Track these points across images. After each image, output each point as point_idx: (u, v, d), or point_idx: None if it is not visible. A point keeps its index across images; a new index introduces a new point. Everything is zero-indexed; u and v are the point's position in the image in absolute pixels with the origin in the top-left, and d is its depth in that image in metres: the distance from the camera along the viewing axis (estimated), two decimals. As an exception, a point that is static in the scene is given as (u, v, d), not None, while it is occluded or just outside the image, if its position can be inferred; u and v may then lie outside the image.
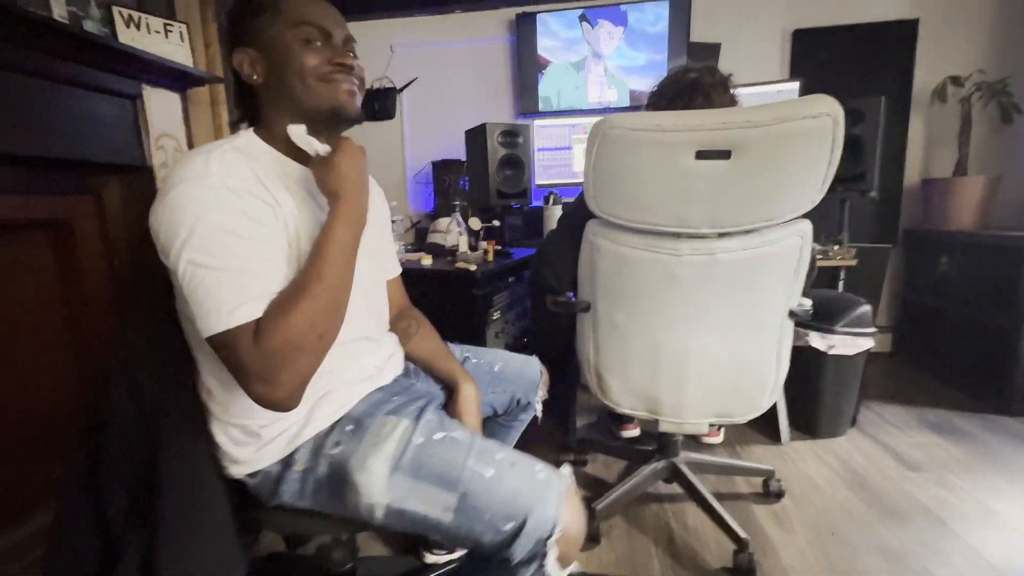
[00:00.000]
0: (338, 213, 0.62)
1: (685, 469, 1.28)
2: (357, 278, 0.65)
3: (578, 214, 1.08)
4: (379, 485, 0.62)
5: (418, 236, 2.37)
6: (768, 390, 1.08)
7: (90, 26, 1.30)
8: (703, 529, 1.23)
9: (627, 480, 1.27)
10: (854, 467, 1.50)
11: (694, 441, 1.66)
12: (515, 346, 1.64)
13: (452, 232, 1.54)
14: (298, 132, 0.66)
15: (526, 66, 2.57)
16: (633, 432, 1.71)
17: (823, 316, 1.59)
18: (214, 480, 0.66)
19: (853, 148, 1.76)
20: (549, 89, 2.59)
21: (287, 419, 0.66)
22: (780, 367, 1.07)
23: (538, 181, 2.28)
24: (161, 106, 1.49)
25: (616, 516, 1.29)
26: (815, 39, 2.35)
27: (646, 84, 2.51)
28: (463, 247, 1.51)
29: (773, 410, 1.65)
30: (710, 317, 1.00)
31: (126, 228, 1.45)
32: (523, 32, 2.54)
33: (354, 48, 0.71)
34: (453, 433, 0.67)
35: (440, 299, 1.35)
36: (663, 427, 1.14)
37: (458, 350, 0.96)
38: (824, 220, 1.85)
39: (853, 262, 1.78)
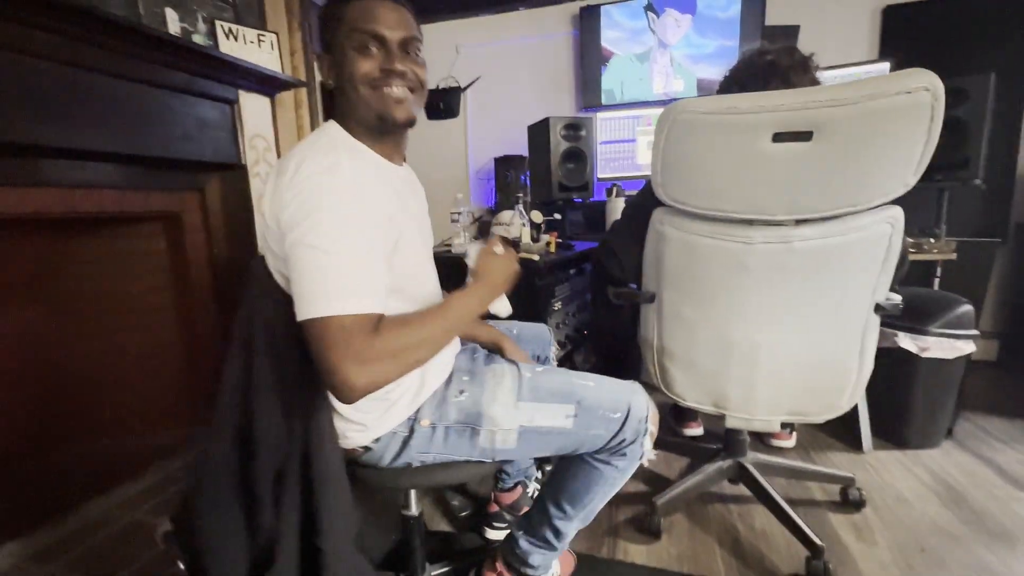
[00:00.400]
0: (479, 289, 0.74)
1: (753, 470, 1.23)
2: (425, 250, 0.80)
3: (644, 202, 1.07)
4: (511, 413, 0.75)
5: (479, 229, 2.43)
6: (848, 390, 1.01)
7: (198, 39, 1.45)
8: (772, 533, 1.18)
9: (690, 476, 1.24)
10: (949, 482, 1.36)
11: (762, 443, 1.58)
12: (575, 338, 1.65)
13: (515, 224, 1.56)
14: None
15: (589, 59, 2.55)
16: (696, 431, 1.66)
17: (915, 315, 1.46)
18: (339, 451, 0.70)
19: (955, 132, 1.59)
20: (612, 82, 2.55)
21: (406, 382, 0.73)
22: (863, 366, 1.00)
23: (600, 174, 2.27)
24: (254, 109, 1.64)
25: (678, 513, 1.26)
26: (909, 15, 2.15)
27: (715, 72, 2.41)
28: (525, 238, 1.53)
29: (853, 415, 1.54)
30: (784, 309, 0.95)
31: (224, 220, 1.61)
32: (587, 25, 2.53)
33: (416, 48, 0.71)
34: (547, 366, 0.85)
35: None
36: (730, 423, 1.10)
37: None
38: (919, 212, 1.69)
39: (952, 255, 1.62)
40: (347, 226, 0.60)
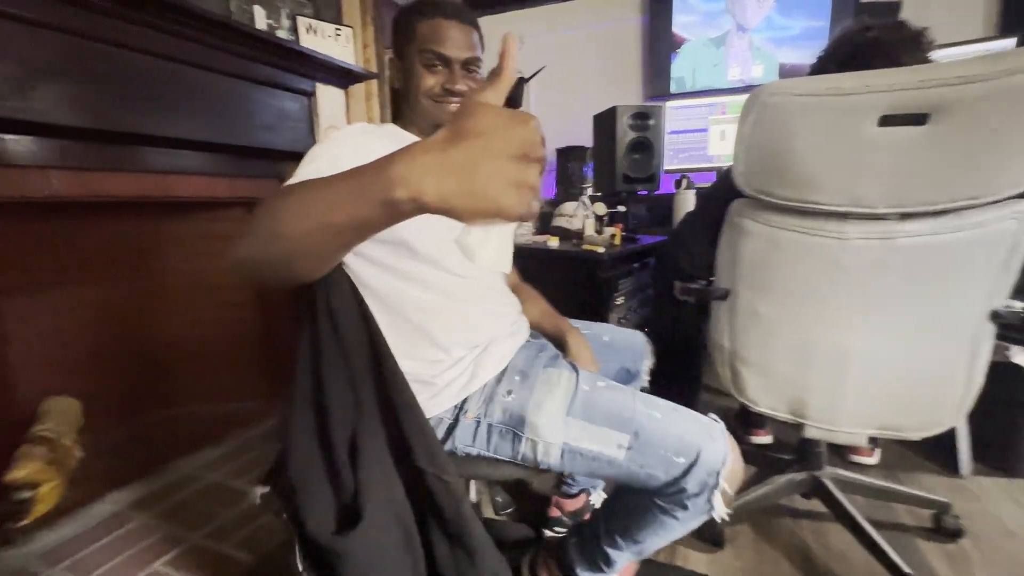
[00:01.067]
0: (427, 149, 0.37)
1: (831, 485, 1.14)
2: None
3: (720, 193, 1.01)
4: (556, 426, 0.67)
5: (541, 221, 2.41)
6: (953, 406, 0.90)
7: (282, 34, 1.53)
8: (851, 554, 1.08)
9: (758, 487, 1.16)
10: (1069, 518, 1.19)
11: (840, 458, 1.46)
12: (636, 335, 1.59)
13: (578, 216, 1.53)
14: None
15: (658, 46, 2.45)
16: (764, 439, 1.56)
17: (1034, 327, 1.28)
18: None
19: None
20: (683, 69, 2.44)
21: (456, 369, 0.73)
22: (972, 380, 0.88)
23: (667, 166, 2.17)
24: (329, 101, 1.71)
25: (743, 523, 1.20)
26: (1041, -16, 1.88)
27: (799, 56, 2.24)
28: (589, 230, 1.50)
29: (949, 435, 1.38)
30: (881, 312, 0.86)
31: (299, 207, 1.70)
32: (657, 9, 2.42)
33: (477, 65, 0.80)
34: (612, 383, 0.74)
35: (565, 280, 1.37)
36: (809, 433, 1.02)
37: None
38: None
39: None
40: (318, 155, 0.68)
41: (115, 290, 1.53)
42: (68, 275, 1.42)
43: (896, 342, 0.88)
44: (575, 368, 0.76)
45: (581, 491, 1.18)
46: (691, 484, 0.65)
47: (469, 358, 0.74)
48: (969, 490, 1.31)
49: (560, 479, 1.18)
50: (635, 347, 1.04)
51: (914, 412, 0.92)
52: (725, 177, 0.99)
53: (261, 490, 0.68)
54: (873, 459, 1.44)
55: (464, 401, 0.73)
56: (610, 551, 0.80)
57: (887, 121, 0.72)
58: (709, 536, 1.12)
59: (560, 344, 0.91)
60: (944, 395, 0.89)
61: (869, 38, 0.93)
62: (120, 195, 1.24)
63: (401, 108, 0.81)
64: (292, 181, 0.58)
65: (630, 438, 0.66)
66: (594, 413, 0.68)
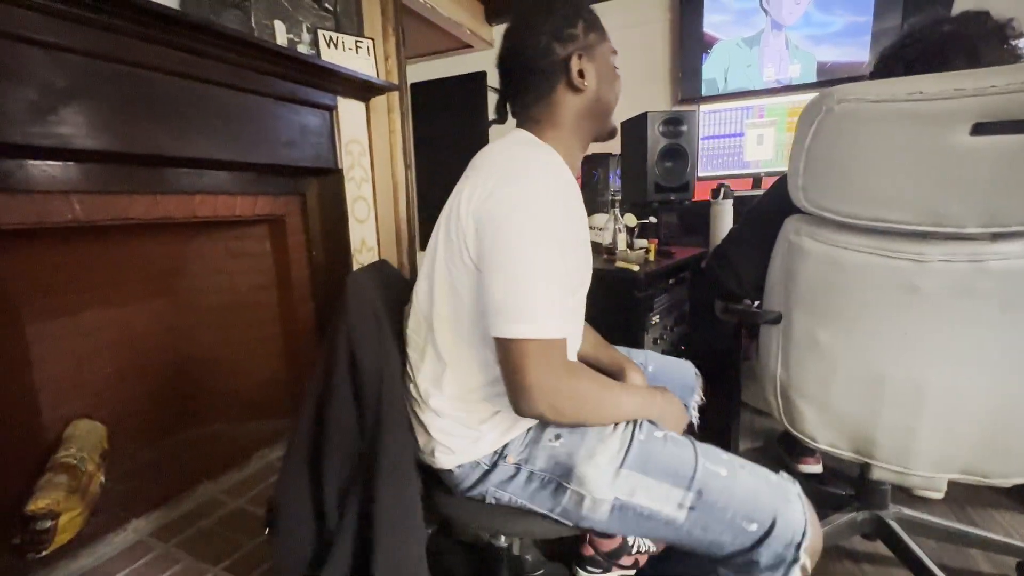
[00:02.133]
0: (662, 399, 0.74)
1: (897, 528, 1.02)
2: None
3: (773, 208, 0.91)
4: (607, 478, 0.61)
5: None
6: (1052, 448, 0.79)
7: (302, 49, 1.50)
8: (924, 609, 0.97)
9: (815, 527, 1.06)
10: None
11: (902, 491, 1.33)
12: (672, 353, 1.50)
13: (609, 229, 1.45)
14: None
15: (689, 47, 2.35)
16: (814, 468, 1.45)
17: None
18: (416, 470, 0.70)
19: None
20: (715, 70, 2.34)
21: (500, 415, 0.67)
22: (1075, 420, 0.77)
23: (701, 173, 2.07)
24: (350, 115, 1.68)
25: (797, 567, 1.09)
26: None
27: (840, 54, 2.11)
28: (621, 245, 1.42)
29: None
30: (966, 343, 0.76)
31: (321, 223, 1.67)
32: (687, 8, 2.33)
33: None
34: (671, 433, 0.68)
35: (596, 300, 1.28)
36: (877, 475, 0.91)
37: None
38: None
39: None
40: (565, 249, 0.62)
41: (140, 311, 1.52)
42: (92, 298, 1.42)
43: (984, 377, 0.77)
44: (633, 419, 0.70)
45: None
46: (764, 557, 0.56)
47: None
48: (1054, 532, 1.18)
49: None
50: (683, 380, 0.97)
51: (1004, 457, 0.81)
52: (779, 190, 0.90)
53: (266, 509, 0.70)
54: (940, 493, 1.31)
55: (505, 446, 0.68)
56: None
57: (982, 129, 0.62)
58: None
59: (617, 378, 0.85)
60: (1042, 437, 0.78)
61: (946, 32, 0.82)
62: (143, 217, 1.22)
63: (565, 110, 0.72)
64: (555, 278, 0.61)
65: (692, 497, 0.59)
66: (650, 466, 0.62)
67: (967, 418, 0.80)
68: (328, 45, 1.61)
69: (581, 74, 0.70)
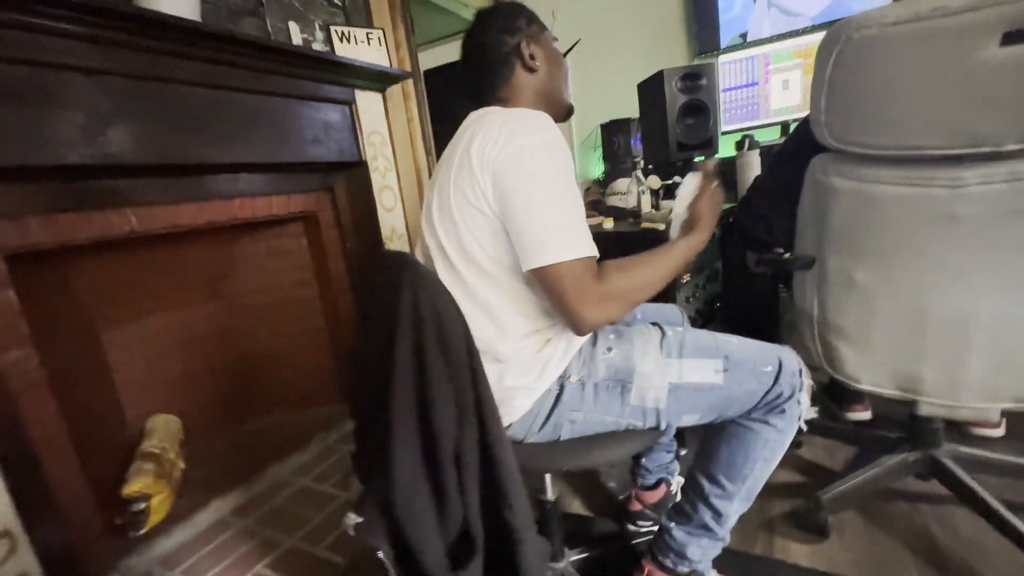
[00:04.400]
0: (700, 238, 0.79)
1: (953, 465, 1.01)
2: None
3: (797, 150, 0.90)
4: (660, 368, 0.74)
5: (591, 204, 2.33)
6: (1114, 369, 0.76)
7: (317, 46, 1.55)
8: (987, 544, 0.96)
9: (864, 470, 1.05)
10: None
11: (957, 431, 1.29)
12: (705, 311, 1.50)
13: (632, 192, 1.45)
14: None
15: (703, -3, 2.26)
16: (863, 415, 1.42)
17: None
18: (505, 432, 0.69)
19: None
20: (735, 18, 2.24)
21: (557, 338, 0.75)
22: None
23: (724, 127, 2.01)
24: (369, 107, 1.72)
25: (849, 510, 1.09)
26: None
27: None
28: (646, 207, 1.41)
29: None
30: (1013, 269, 0.73)
31: (352, 215, 1.73)
32: (699, -42, 2.23)
33: None
34: (689, 327, 0.82)
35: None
36: (925, 410, 0.90)
37: None
38: None
39: None
40: (569, 181, 0.68)
41: (198, 314, 1.63)
42: (154, 305, 1.53)
43: (1035, 300, 0.74)
44: (655, 323, 0.82)
45: (659, 480, 1.13)
46: (784, 387, 0.74)
47: (562, 327, 0.76)
48: None
49: (633, 471, 1.13)
50: (670, 318, 1.03)
51: (1062, 380, 0.78)
52: (802, 131, 0.88)
53: (355, 519, 0.66)
54: (1000, 431, 1.27)
55: (566, 367, 0.75)
56: (718, 502, 0.81)
57: (1012, 39, 0.59)
58: (812, 525, 1.03)
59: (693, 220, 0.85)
60: (1102, 358, 0.75)
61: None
62: (191, 224, 1.31)
63: (528, 88, 0.84)
64: (568, 206, 0.67)
65: (723, 361, 0.74)
66: (687, 349, 0.76)
67: (1018, 344, 0.78)
68: (341, 40, 1.65)
69: (532, 57, 0.82)
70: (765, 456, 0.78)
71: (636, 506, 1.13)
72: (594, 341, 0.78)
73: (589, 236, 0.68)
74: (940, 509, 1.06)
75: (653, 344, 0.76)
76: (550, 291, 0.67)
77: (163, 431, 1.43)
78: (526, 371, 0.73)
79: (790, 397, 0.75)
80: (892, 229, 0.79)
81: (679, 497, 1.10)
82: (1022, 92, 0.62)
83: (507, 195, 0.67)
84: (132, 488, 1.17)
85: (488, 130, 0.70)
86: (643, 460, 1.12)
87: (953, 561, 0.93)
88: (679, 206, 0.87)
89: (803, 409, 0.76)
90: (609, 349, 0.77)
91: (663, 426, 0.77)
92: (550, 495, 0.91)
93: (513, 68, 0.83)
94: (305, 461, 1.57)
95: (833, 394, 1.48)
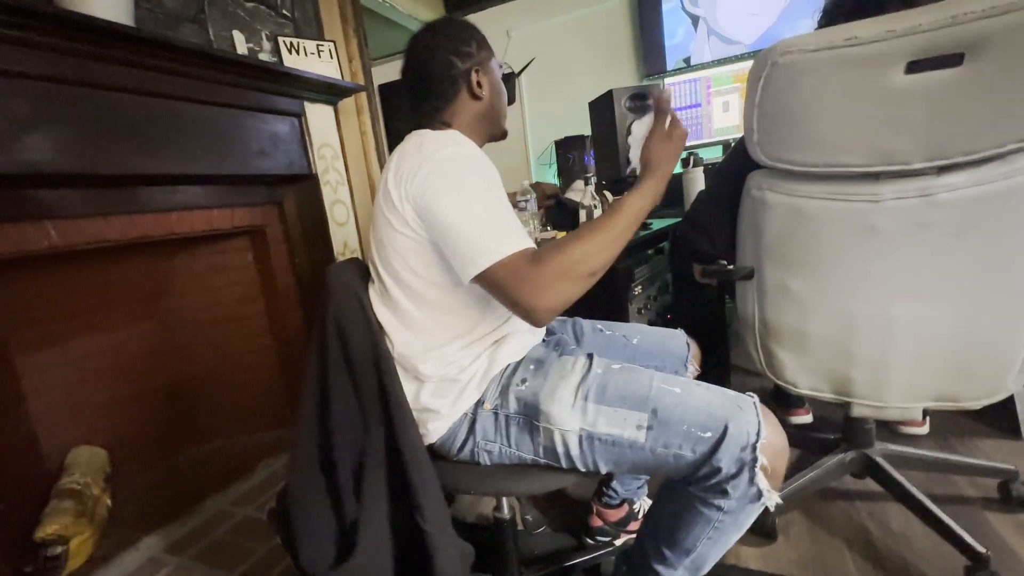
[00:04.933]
0: (648, 185, 0.73)
1: (884, 463, 1.07)
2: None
3: (735, 167, 0.95)
4: (568, 412, 0.66)
5: (547, 210, 2.36)
6: (1014, 369, 0.83)
7: (264, 57, 1.50)
8: (915, 536, 1.02)
9: (806, 472, 1.10)
10: None
11: (888, 430, 1.38)
12: (658, 323, 1.54)
13: (587, 192, 1.48)
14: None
15: (650, 22, 2.38)
16: (804, 418, 1.49)
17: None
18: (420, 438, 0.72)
19: None
20: (676, 44, 2.36)
21: (478, 361, 0.74)
22: (1034, 338, 0.82)
23: (671, 145, 2.10)
24: (319, 119, 1.68)
25: (794, 512, 1.13)
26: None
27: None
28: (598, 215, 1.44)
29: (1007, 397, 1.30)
30: (926, 275, 0.80)
31: (302, 230, 1.68)
32: (645, -14, 2.35)
33: None
34: (629, 365, 0.72)
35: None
36: (857, 412, 0.95)
37: (588, 324, 0.99)
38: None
39: None
40: (490, 187, 0.68)
41: (130, 335, 1.52)
42: (78, 325, 1.42)
43: (946, 305, 0.81)
44: (591, 355, 0.74)
45: (623, 500, 1.12)
46: (725, 462, 0.59)
47: (487, 349, 0.75)
48: (1033, 452, 1.23)
49: (600, 488, 1.12)
50: (673, 351, 0.96)
51: (971, 379, 0.85)
52: (738, 149, 0.93)
53: (270, 505, 0.72)
54: (924, 428, 1.37)
55: (483, 392, 0.73)
56: (661, 570, 0.71)
57: (916, 67, 0.65)
58: (760, 528, 1.06)
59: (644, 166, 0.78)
60: (1004, 358, 0.82)
61: (881, -19, 0.85)
62: (121, 239, 1.22)
63: (466, 114, 0.83)
64: (491, 210, 0.67)
65: (648, 416, 0.64)
66: (607, 395, 0.66)
67: (934, 346, 0.84)
68: (290, 51, 1.61)
69: (480, 85, 0.81)
70: (713, 537, 0.65)
71: (596, 522, 1.12)
72: (515, 368, 0.74)
73: (520, 231, 0.65)
74: (874, 505, 1.12)
75: (569, 382, 0.68)
76: (497, 294, 0.65)
77: (86, 465, 1.30)
78: (442, 394, 0.73)
79: (735, 475, 0.59)
80: (820, 240, 0.85)
81: (641, 515, 1.12)
82: (925, 115, 0.69)
83: (430, 218, 0.67)
84: (47, 530, 1.06)
85: (403, 159, 0.71)
86: (612, 481, 1.10)
87: (886, 554, 0.99)
88: (633, 154, 0.84)
89: (763, 491, 0.59)
90: (523, 381, 0.72)
91: (586, 471, 0.68)
92: (506, 513, 0.89)
93: (458, 93, 0.81)
94: (249, 489, 1.48)
95: (777, 399, 1.55)
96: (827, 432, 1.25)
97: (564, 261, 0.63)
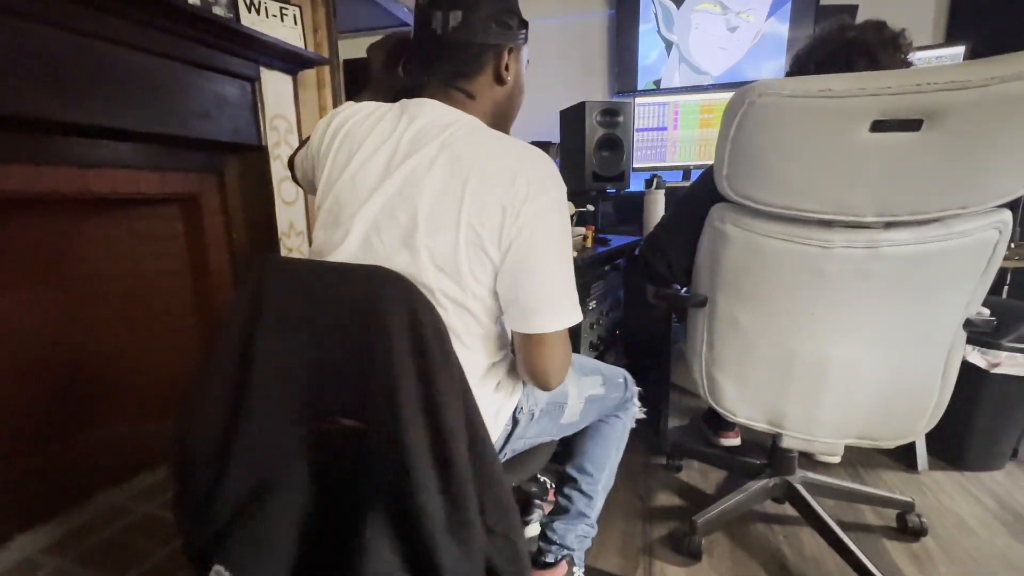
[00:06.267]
0: None
1: (803, 491, 1.13)
2: None
3: (702, 196, 0.96)
4: (577, 387, 0.86)
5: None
6: (927, 414, 0.91)
7: (218, 11, 1.37)
8: (823, 560, 1.08)
9: (733, 495, 1.14)
10: (1017, 508, 1.25)
11: (806, 457, 1.48)
12: (607, 338, 1.55)
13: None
14: None
15: (625, 41, 2.41)
16: (733, 441, 1.56)
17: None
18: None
19: None
20: (649, 65, 2.41)
21: (506, 378, 0.75)
22: (945, 388, 0.89)
23: (636, 164, 2.14)
24: (275, 88, 1.55)
25: (718, 532, 1.18)
26: (983, -5, 1.96)
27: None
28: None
29: (908, 432, 1.42)
30: (863, 322, 0.84)
31: (243, 204, 1.54)
32: (624, 5, 2.38)
33: None
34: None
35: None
36: (787, 443, 1.00)
37: None
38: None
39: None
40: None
41: (22, 300, 1.33)
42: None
43: (876, 351, 0.86)
44: None
45: (562, 557, 0.98)
46: (629, 392, 0.97)
47: (510, 357, 0.77)
48: (926, 485, 1.36)
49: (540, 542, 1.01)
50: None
51: (890, 422, 0.91)
52: (706, 179, 0.95)
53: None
54: (837, 457, 1.47)
55: (516, 404, 0.77)
56: (587, 487, 0.95)
57: (880, 126, 0.68)
58: (686, 550, 1.09)
59: None
60: (920, 404, 0.89)
61: (849, 38, 0.90)
62: (22, 191, 1.06)
63: (488, 101, 0.72)
64: (571, 271, 0.68)
65: (601, 377, 0.91)
66: (585, 369, 0.90)
67: (863, 388, 0.89)
68: (249, 10, 1.48)
69: (507, 68, 0.71)
70: (617, 445, 0.97)
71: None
72: None
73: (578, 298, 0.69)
74: (790, 529, 1.19)
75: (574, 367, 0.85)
76: (532, 353, 0.67)
77: (-48, 446, 1.12)
78: (483, 415, 0.69)
79: (630, 399, 0.98)
80: (773, 278, 0.88)
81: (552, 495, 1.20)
82: (880, 173, 0.72)
83: (523, 254, 0.61)
84: None
85: (491, 165, 0.61)
86: (552, 526, 0.99)
87: (799, 578, 1.04)
88: None
89: (636, 409, 0.99)
90: None
91: (575, 430, 0.92)
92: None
93: (482, 68, 0.69)
94: (154, 483, 1.34)
95: (709, 421, 1.61)
96: (753, 455, 1.31)
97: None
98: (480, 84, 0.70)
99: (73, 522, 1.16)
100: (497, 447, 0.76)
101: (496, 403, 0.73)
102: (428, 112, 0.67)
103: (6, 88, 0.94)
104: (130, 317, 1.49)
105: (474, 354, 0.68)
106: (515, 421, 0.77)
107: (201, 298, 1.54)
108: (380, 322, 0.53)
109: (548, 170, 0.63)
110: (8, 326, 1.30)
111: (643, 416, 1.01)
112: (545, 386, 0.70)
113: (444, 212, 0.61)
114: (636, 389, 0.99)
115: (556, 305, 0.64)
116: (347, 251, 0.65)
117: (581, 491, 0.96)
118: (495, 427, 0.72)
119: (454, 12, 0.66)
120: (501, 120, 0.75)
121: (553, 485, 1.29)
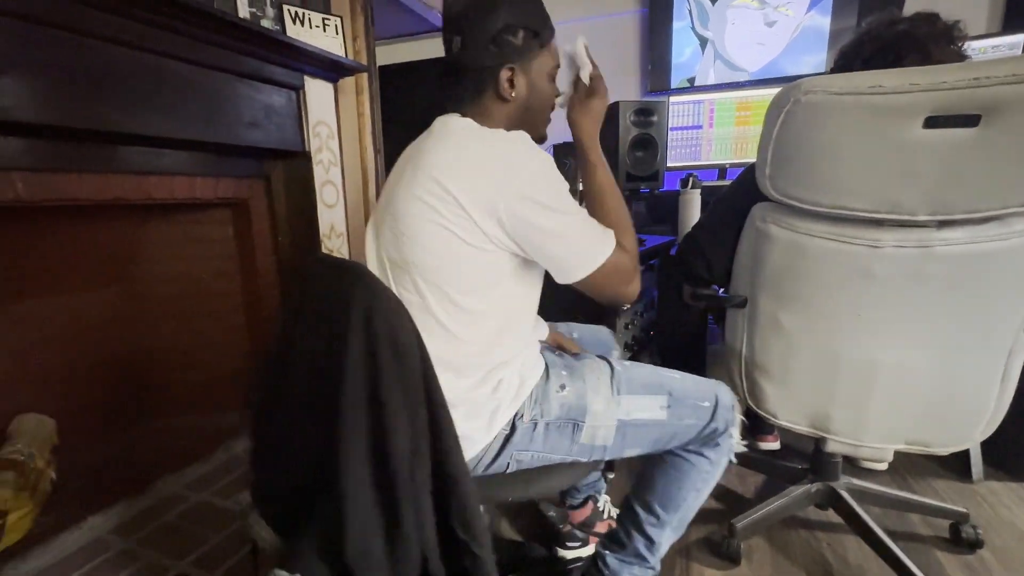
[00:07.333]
0: (596, 159, 0.79)
1: (848, 497, 1.10)
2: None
3: (742, 196, 0.95)
4: (610, 407, 0.74)
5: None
6: (984, 420, 0.87)
7: (266, 24, 1.43)
8: (870, 569, 1.05)
9: (774, 500, 1.12)
10: (1083, 524, 1.18)
11: (850, 463, 1.43)
12: (642, 338, 1.55)
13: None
14: (581, 47, 0.79)
15: (658, 40, 2.39)
16: (773, 445, 1.53)
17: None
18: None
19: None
20: (682, 63, 2.38)
21: (506, 383, 0.72)
22: (1005, 393, 0.85)
23: (670, 163, 2.12)
24: (318, 96, 1.62)
25: (757, 536, 1.16)
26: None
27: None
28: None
29: (961, 439, 1.36)
30: (915, 323, 0.82)
31: (288, 208, 1.61)
32: (657, 3, 2.36)
33: None
34: (629, 361, 0.82)
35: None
36: (832, 447, 0.98)
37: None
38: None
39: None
40: (567, 188, 0.68)
41: (91, 300, 1.43)
42: (36, 285, 1.32)
43: (930, 355, 0.83)
44: (601, 356, 0.82)
45: (587, 498, 1.14)
46: (719, 422, 0.77)
47: (517, 368, 0.74)
48: (982, 496, 1.29)
49: (563, 492, 1.13)
50: (602, 340, 1.06)
51: (944, 427, 0.88)
52: (747, 179, 0.93)
53: None
54: (884, 464, 1.42)
55: (517, 410, 0.73)
56: (652, 530, 0.83)
57: (934, 123, 0.66)
58: (725, 552, 1.08)
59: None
60: (976, 410, 0.85)
61: (899, 31, 0.87)
62: (93, 198, 1.14)
63: (499, 114, 0.75)
64: (581, 212, 0.71)
65: (667, 398, 0.76)
66: (634, 386, 0.76)
67: (914, 393, 0.87)
68: (294, 21, 1.54)
69: (511, 83, 0.72)
70: (698, 487, 0.82)
71: (565, 526, 1.13)
72: (547, 377, 0.76)
73: (600, 226, 0.70)
74: (834, 537, 1.16)
75: (604, 381, 0.76)
76: (598, 293, 0.71)
77: (31, 434, 1.22)
78: (476, 415, 0.70)
79: (724, 431, 0.79)
80: (817, 278, 0.86)
81: (605, 514, 1.14)
82: (935, 170, 0.70)
83: (526, 235, 0.66)
84: (-17, 502, 0.99)
85: (470, 166, 0.64)
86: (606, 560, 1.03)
87: (844, 587, 1.02)
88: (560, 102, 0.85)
89: (734, 443, 0.81)
90: (563, 387, 0.75)
91: (610, 458, 0.79)
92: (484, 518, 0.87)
93: (481, 91, 0.72)
94: (206, 472, 1.41)
95: (748, 425, 1.58)
96: (792, 460, 1.28)
97: (634, 243, 0.73)
98: (484, 105, 0.74)
99: (135, 507, 1.25)
100: (491, 452, 0.72)
101: (494, 403, 0.71)
102: (439, 126, 0.73)
103: (84, 104, 1.02)
104: (185, 316, 1.58)
105: (467, 347, 0.70)
106: (513, 428, 0.72)
107: (250, 298, 1.62)
108: (344, 316, 0.57)
109: (513, 156, 0.65)
110: (81, 324, 1.41)
111: (744, 450, 0.82)
112: (625, 303, 0.76)
113: (416, 201, 0.67)
114: (738, 417, 0.80)
115: (582, 253, 0.68)
116: (369, 253, 0.76)
117: (643, 533, 0.83)
118: (489, 428, 0.70)
119: (455, 38, 0.71)
120: (521, 123, 0.76)
121: (610, 511, 1.17)
